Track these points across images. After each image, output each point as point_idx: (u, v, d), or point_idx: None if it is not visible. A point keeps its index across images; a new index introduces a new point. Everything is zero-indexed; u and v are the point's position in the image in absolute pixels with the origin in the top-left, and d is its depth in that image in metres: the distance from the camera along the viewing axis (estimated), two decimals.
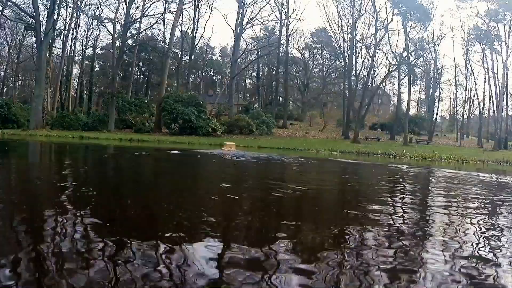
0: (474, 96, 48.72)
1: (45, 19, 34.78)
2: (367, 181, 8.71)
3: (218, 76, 71.17)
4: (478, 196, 6.16)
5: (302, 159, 15.08)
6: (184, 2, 38.86)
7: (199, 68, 63.31)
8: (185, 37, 44.54)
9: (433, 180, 9.73)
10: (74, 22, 46.17)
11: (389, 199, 5.62)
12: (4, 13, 40.23)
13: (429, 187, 8.03)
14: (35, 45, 38.43)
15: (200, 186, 6.62)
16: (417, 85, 55.47)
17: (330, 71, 58.53)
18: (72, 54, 50.14)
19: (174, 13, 38.65)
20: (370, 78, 44.56)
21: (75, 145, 20.47)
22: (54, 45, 42.50)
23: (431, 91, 50.56)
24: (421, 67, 47.01)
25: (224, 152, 15.24)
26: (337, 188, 7.20)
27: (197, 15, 42.40)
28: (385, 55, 44.77)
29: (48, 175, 7.38)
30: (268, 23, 47.59)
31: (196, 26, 42.63)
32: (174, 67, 52.06)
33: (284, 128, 43.17)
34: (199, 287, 1.97)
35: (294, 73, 56.73)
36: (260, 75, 62.44)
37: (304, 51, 58.23)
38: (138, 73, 61.31)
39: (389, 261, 2.49)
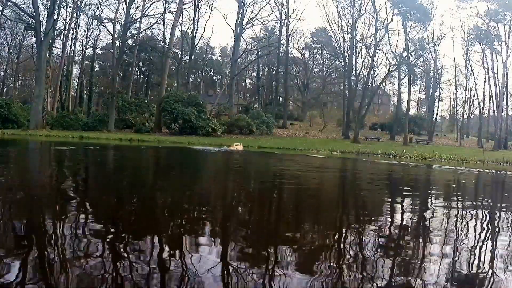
0: (474, 96, 48.76)
1: (45, 19, 34.80)
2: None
3: (218, 76, 71.15)
4: None
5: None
6: (184, 2, 38.89)
7: (199, 68, 63.27)
8: (185, 37, 44.54)
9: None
10: (74, 22, 46.23)
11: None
12: (4, 13, 40.25)
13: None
14: (35, 45, 38.44)
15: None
16: (417, 85, 55.48)
17: (330, 71, 58.54)
18: (72, 54, 50.17)
19: (174, 13, 38.69)
20: (370, 78, 44.63)
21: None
22: (54, 45, 42.55)
23: (431, 91, 50.54)
24: (421, 67, 47.01)
25: (232, 149, 19.86)
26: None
27: (197, 15, 42.45)
28: (385, 55, 44.83)
29: None
30: (268, 23, 47.67)
31: (196, 26, 42.70)
32: (174, 67, 52.04)
33: (284, 128, 43.15)
34: None
35: (294, 73, 56.70)
36: (260, 75, 62.43)
37: (304, 51, 58.27)
38: (138, 73, 61.30)
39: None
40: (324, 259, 2.44)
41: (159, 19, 39.85)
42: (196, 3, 41.50)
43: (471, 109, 50.86)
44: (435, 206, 4.91)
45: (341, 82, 52.07)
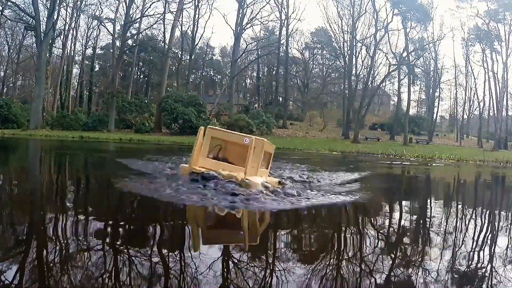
0: (474, 96, 48.82)
1: (45, 19, 34.80)
2: None
3: (218, 76, 71.13)
4: None
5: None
6: (184, 2, 38.92)
7: (199, 68, 63.27)
8: (185, 37, 44.55)
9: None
10: (74, 22, 46.23)
11: None
12: (4, 13, 40.25)
13: None
14: (35, 45, 38.44)
15: None
16: (417, 85, 55.52)
17: (330, 71, 58.53)
18: (72, 54, 50.15)
19: (174, 13, 38.70)
20: (370, 78, 44.62)
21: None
22: (54, 45, 42.51)
23: (431, 91, 50.57)
24: (421, 67, 47.05)
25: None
26: None
27: (197, 15, 42.49)
28: (385, 55, 44.83)
29: None
30: (268, 23, 47.66)
31: (196, 26, 42.74)
32: (174, 67, 52.04)
33: (284, 128, 43.18)
34: None
35: (294, 73, 56.71)
36: (260, 75, 62.44)
37: (304, 51, 58.28)
38: (138, 73, 61.28)
39: None
40: None
41: (159, 19, 39.91)
42: (196, 3, 41.59)
43: (471, 109, 50.95)
44: None
45: (341, 82, 52.08)
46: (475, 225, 3.27)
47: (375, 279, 1.62)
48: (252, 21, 43.42)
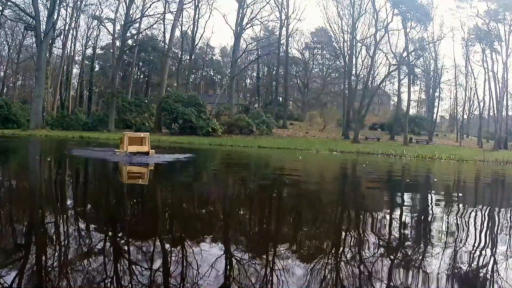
0: (474, 96, 48.69)
1: (45, 19, 34.85)
2: None
3: (218, 76, 71.11)
4: None
5: None
6: (184, 2, 38.90)
7: (199, 68, 63.26)
8: (185, 37, 44.51)
9: None
10: (74, 22, 46.23)
11: None
12: (4, 13, 40.24)
13: None
14: (35, 45, 38.47)
15: None
16: (417, 85, 55.40)
17: (330, 71, 58.52)
18: (72, 54, 50.12)
19: (174, 13, 38.70)
20: (370, 78, 44.58)
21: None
22: (54, 45, 42.60)
23: (431, 91, 50.49)
24: (421, 67, 46.98)
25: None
26: None
27: (197, 15, 42.42)
28: (385, 55, 44.71)
29: None
30: (268, 23, 47.57)
31: (196, 26, 42.67)
32: (174, 67, 52.03)
33: (284, 128, 43.16)
34: None
35: (294, 73, 56.69)
36: (260, 75, 62.38)
37: (304, 51, 58.22)
38: (138, 73, 61.24)
39: None
40: None
41: (159, 19, 39.92)
42: (196, 3, 41.51)
43: (471, 109, 50.87)
44: None
45: (341, 82, 52.04)
46: None
47: None
48: (252, 21, 43.35)
